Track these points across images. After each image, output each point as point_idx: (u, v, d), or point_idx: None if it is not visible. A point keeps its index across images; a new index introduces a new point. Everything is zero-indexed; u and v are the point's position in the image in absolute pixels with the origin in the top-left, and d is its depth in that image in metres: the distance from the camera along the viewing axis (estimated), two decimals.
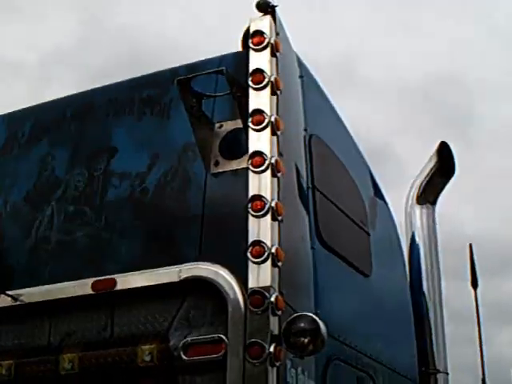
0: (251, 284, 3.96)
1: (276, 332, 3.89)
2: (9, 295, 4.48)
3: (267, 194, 4.03)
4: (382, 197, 6.09)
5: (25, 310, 4.52)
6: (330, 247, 4.76)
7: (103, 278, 4.35)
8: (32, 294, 4.52)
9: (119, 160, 4.88)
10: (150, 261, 4.36)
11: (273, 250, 4.00)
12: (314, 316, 3.90)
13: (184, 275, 4.17)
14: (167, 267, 4.25)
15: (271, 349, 3.82)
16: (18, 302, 4.48)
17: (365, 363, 4.97)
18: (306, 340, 3.85)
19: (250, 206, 4.02)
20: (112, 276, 4.34)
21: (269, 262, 3.97)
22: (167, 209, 4.66)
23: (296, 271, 4.36)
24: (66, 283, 4.46)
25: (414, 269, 6.35)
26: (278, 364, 3.83)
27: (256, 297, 3.90)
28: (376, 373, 5.07)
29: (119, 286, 4.31)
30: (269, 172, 4.08)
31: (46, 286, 4.51)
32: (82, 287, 4.39)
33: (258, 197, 4.02)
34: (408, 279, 6.20)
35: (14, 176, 5.21)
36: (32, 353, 4.41)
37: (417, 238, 6.50)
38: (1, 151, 5.38)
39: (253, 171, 4.09)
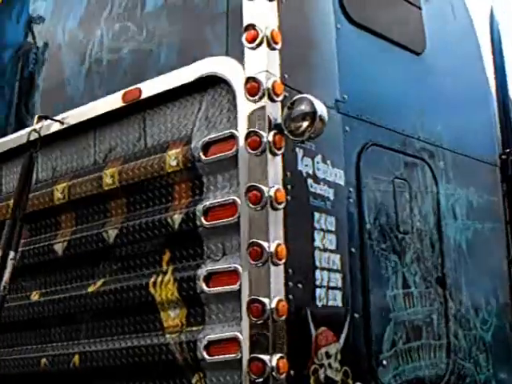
0: (247, 72, 3.71)
1: (279, 120, 3.63)
2: (54, 119, 4.60)
3: None
4: None
5: (72, 132, 4.63)
6: (359, 23, 4.31)
7: (129, 88, 4.30)
8: (74, 115, 4.59)
9: None
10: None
11: (267, 33, 3.69)
12: (312, 98, 3.58)
13: (199, 73, 3.99)
14: (184, 67, 4.09)
15: (270, 137, 3.58)
16: (64, 126, 4.59)
17: (416, 148, 4.54)
18: (305, 124, 3.56)
19: None
20: (137, 86, 4.27)
21: (264, 46, 3.68)
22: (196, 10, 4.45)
23: (311, 53, 4.01)
24: (100, 100, 4.48)
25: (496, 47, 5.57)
26: (279, 152, 3.60)
27: (251, 84, 3.66)
28: (433, 157, 4.63)
29: (145, 94, 4.24)
30: None
31: (86, 106, 4.56)
32: (116, 101, 4.38)
33: None
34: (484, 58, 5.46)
35: (70, 3, 5.22)
36: (81, 173, 4.53)
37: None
38: None
39: None
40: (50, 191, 4.62)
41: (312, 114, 3.54)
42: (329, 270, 3.83)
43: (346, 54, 4.21)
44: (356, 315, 3.94)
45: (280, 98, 3.65)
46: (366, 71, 4.36)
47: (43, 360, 4.42)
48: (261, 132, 3.57)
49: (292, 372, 3.50)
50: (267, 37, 3.67)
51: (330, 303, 3.80)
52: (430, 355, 4.38)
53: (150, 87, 4.24)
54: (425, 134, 4.68)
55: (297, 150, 3.75)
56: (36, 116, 4.73)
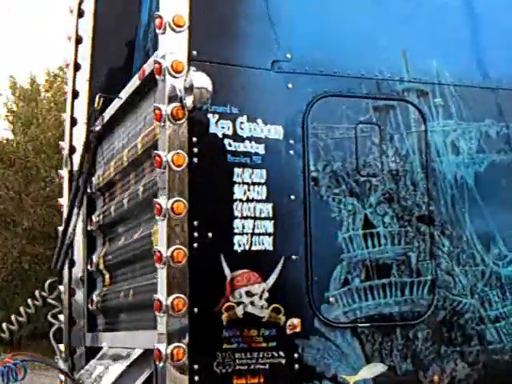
0: (157, 55, 4.28)
1: (179, 94, 4.17)
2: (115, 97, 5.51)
3: None
4: None
5: None
6: None
7: None
8: None
9: None
10: None
11: (169, 19, 4.21)
12: (193, 72, 4.07)
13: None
14: None
15: (168, 110, 4.14)
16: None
17: (396, 89, 4.70)
18: (191, 97, 4.08)
19: None
20: None
21: (168, 31, 4.22)
22: None
23: (234, 25, 4.43)
24: None
25: None
26: (179, 122, 4.15)
27: (155, 66, 4.20)
28: (424, 95, 4.75)
29: None
30: None
31: None
32: None
33: None
34: None
35: None
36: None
37: None
38: None
39: None
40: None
41: (191, 87, 4.03)
42: (254, 218, 4.28)
43: (287, 12, 4.50)
44: (294, 257, 4.33)
45: (181, 74, 4.15)
46: (316, 24, 4.57)
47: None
48: (160, 106, 4.15)
49: (196, 309, 4.09)
50: (169, 22, 4.18)
51: (256, 248, 4.26)
52: (403, 292, 4.56)
53: None
54: (412, 74, 4.73)
55: (209, 115, 4.24)
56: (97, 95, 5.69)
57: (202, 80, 4.01)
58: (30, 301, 5.80)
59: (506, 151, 4.92)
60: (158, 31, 4.23)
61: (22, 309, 5.83)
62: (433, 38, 4.84)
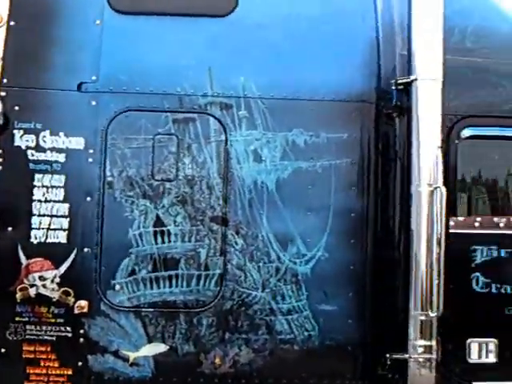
0: None
1: None
2: None
3: None
4: None
5: None
6: (125, 11, 5.39)
7: None
8: None
9: None
10: None
11: None
12: None
13: None
14: None
15: None
16: None
17: (199, 103, 5.29)
18: None
19: None
20: None
21: None
22: None
23: (48, 53, 5.30)
24: None
25: None
26: None
27: None
28: (228, 108, 5.28)
29: None
30: None
31: None
32: None
33: None
34: None
35: None
36: None
37: None
38: None
39: None
40: None
41: None
42: (51, 216, 5.20)
43: (94, 39, 5.28)
44: (86, 249, 5.18)
45: None
46: (122, 48, 5.31)
47: None
48: None
49: None
50: None
51: (51, 240, 5.17)
52: (189, 283, 5.21)
53: None
54: (217, 89, 5.31)
55: (15, 131, 5.21)
56: None
57: None
58: None
59: (311, 158, 5.29)
60: None
61: None
62: (241, 55, 5.33)
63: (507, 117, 5.50)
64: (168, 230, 5.21)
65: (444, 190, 5.16)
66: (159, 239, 5.20)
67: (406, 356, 5.17)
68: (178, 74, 5.30)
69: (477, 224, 5.44)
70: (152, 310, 5.17)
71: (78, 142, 5.21)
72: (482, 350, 5.36)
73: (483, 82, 5.55)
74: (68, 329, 5.12)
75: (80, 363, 5.10)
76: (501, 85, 5.55)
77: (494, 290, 5.38)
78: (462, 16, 5.68)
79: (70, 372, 5.11)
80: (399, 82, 5.39)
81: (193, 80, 5.30)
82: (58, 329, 5.13)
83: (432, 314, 5.12)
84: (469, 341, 5.36)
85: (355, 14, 5.48)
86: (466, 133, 5.50)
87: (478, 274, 5.37)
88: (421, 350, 5.16)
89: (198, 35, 5.35)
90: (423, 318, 5.17)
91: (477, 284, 5.37)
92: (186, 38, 5.36)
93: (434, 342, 5.18)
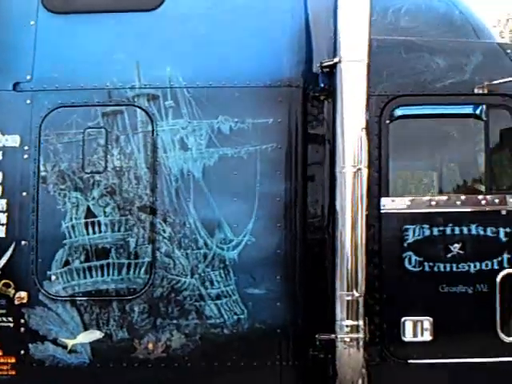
0: None
1: None
2: None
3: None
4: None
5: None
6: (58, 11, 5.54)
7: None
8: None
9: None
10: None
11: None
12: None
13: None
14: None
15: None
16: None
17: (127, 96, 5.41)
18: None
19: None
20: None
21: None
22: None
23: None
24: None
25: None
26: None
27: None
28: (155, 99, 5.39)
29: None
30: None
31: None
32: None
33: None
34: None
35: None
36: None
37: None
38: None
39: None
40: None
41: None
42: None
43: (29, 41, 5.50)
44: (23, 243, 5.41)
45: None
46: (55, 49, 5.50)
47: None
48: None
49: None
50: None
51: None
52: (120, 272, 5.38)
53: None
54: (144, 81, 5.43)
55: None
56: None
57: None
58: None
59: (237, 145, 5.34)
60: None
61: None
62: (168, 47, 5.43)
63: (440, 94, 5.38)
64: (98, 221, 5.37)
65: (366, 171, 5.10)
66: (90, 230, 5.37)
67: (333, 336, 5.15)
68: (108, 69, 5.44)
69: (409, 203, 5.35)
70: (86, 298, 5.35)
71: (14, 140, 5.44)
72: (416, 329, 5.29)
73: (416, 61, 5.44)
74: (10, 319, 5.37)
75: (22, 351, 5.35)
76: (434, 62, 5.41)
77: (426, 269, 5.29)
78: None
79: (13, 360, 5.37)
80: (324, 64, 5.34)
81: (121, 74, 5.42)
82: (0, 319, 5.38)
83: (357, 294, 5.09)
84: (403, 319, 5.30)
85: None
86: (398, 112, 5.40)
87: (410, 252, 5.29)
88: (347, 329, 5.13)
89: (127, 30, 5.48)
90: (349, 298, 5.14)
91: (409, 263, 5.30)
92: (115, 34, 5.51)
93: (360, 322, 5.14)
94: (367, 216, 5.16)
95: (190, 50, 5.41)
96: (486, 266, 5.32)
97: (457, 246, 5.32)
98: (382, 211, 5.32)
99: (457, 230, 5.35)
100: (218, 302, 5.30)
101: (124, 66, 5.43)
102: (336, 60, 5.25)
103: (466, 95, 5.43)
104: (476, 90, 5.41)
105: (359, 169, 5.11)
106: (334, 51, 5.28)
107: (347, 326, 5.14)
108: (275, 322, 5.26)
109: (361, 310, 5.13)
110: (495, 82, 5.35)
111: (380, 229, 5.28)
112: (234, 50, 5.39)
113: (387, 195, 5.35)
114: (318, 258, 5.31)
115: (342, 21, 5.25)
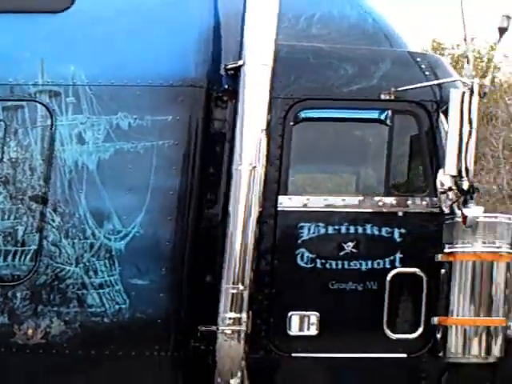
0: None
1: None
2: None
3: None
4: None
5: None
6: None
7: None
8: None
9: None
10: None
11: None
12: None
13: None
14: None
15: None
16: None
17: (29, 92, 5.55)
18: None
19: None
20: None
21: None
22: None
23: None
24: None
25: None
26: None
27: None
28: (57, 96, 5.52)
29: None
30: None
31: None
32: None
33: None
34: None
35: None
36: None
37: None
38: None
39: None
40: None
41: None
42: None
43: None
44: None
45: None
46: None
47: None
48: None
49: None
50: None
51: None
52: (6, 258, 5.34)
53: None
54: (48, 78, 5.60)
55: None
56: None
57: None
58: None
59: (135, 140, 5.47)
60: None
61: None
62: (73, 47, 5.66)
63: (346, 99, 5.56)
64: None
65: (262, 170, 5.23)
66: None
67: (214, 328, 5.10)
68: (12, 66, 5.63)
69: (305, 202, 5.45)
70: None
71: None
72: (303, 323, 5.25)
73: (324, 67, 5.64)
74: None
75: None
76: (342, 68, 5.61)
77: (318, 266, 5.32)
78: (310, 3, 5.90)
79: None
80: (229, 67, 5.54)
81: (26, 71, 5.60)
82: None
83: (241, 287, 5.09)
84: (290, 314, 5.27)
85: (189, 2, 5.75)
86: (302, 115, 5.57)
87: (303, 249, 5.33)
88: (229, 321, 5.10)
89: (35, 30, 5.71)
90: (234, 291, 5.13)
91: (302, 259, 5.33)
92: (23, 34, 5.72)
93: (243, 315, 5.12)
94: (260, 213, 5.24)
95: (95, 50, 5.63)
96: (378, 264, 5.37)
97: (350, 244, 5.39)
98: (278, 209, 5.39)
99: (352, 230, 5.42)
100: (101, 291, 5.26)
101: (29, 63, 5.62)
102: (240, 63, 5.45)
103: (372, 100, 5.56)
104: (382, 96, 5.54)
105: (254, 167, 5.23)
106: (240, 54, 5.49)
107: (230, 319, 5.12)
108: (157, 313, 5.22)
109: (245, 303, 5.14)
110: (401, 88, 5.49)
111: (275, 226, 5.35)
112: (141, 51, 5.60)
113: (285, 193, 5.44)
114: (208, 253, 5.33)
115: (248, 24, 5.48)
